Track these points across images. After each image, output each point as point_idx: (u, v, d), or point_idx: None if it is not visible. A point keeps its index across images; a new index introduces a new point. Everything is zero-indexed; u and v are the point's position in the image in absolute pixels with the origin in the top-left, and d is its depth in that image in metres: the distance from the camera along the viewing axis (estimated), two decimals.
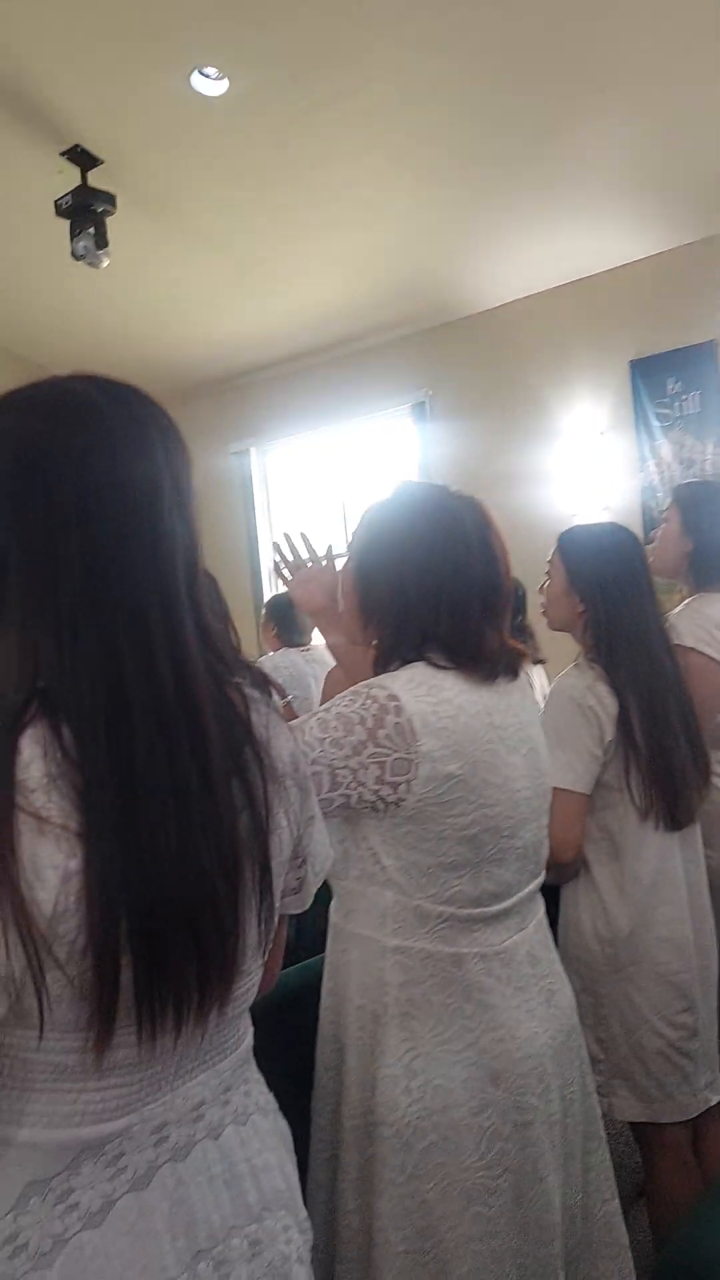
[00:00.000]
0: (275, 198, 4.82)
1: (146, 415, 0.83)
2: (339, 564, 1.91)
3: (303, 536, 1.89)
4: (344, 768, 1.28)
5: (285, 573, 1.91)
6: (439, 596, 1.37)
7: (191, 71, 4.06)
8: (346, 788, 1.28)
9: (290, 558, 1.90)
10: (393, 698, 1.29)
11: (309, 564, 1.87)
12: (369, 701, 1.30)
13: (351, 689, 1.34)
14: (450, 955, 1.33)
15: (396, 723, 1.28)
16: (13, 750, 0.71)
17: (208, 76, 4.08)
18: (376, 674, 1.40)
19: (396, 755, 1.27)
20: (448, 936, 1.33)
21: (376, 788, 1.28)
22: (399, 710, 1.28)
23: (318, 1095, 1.45)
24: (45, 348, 6.58)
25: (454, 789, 1.30)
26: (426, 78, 3.97)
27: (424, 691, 1.31)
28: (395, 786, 1.28)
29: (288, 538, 1.91)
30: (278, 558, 1.92)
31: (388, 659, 1.41)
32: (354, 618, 1.47)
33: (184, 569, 0.81)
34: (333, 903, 1.46)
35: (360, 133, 4.32)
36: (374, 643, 1.44)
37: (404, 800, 1.29)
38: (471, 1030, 1.33)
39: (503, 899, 1.38)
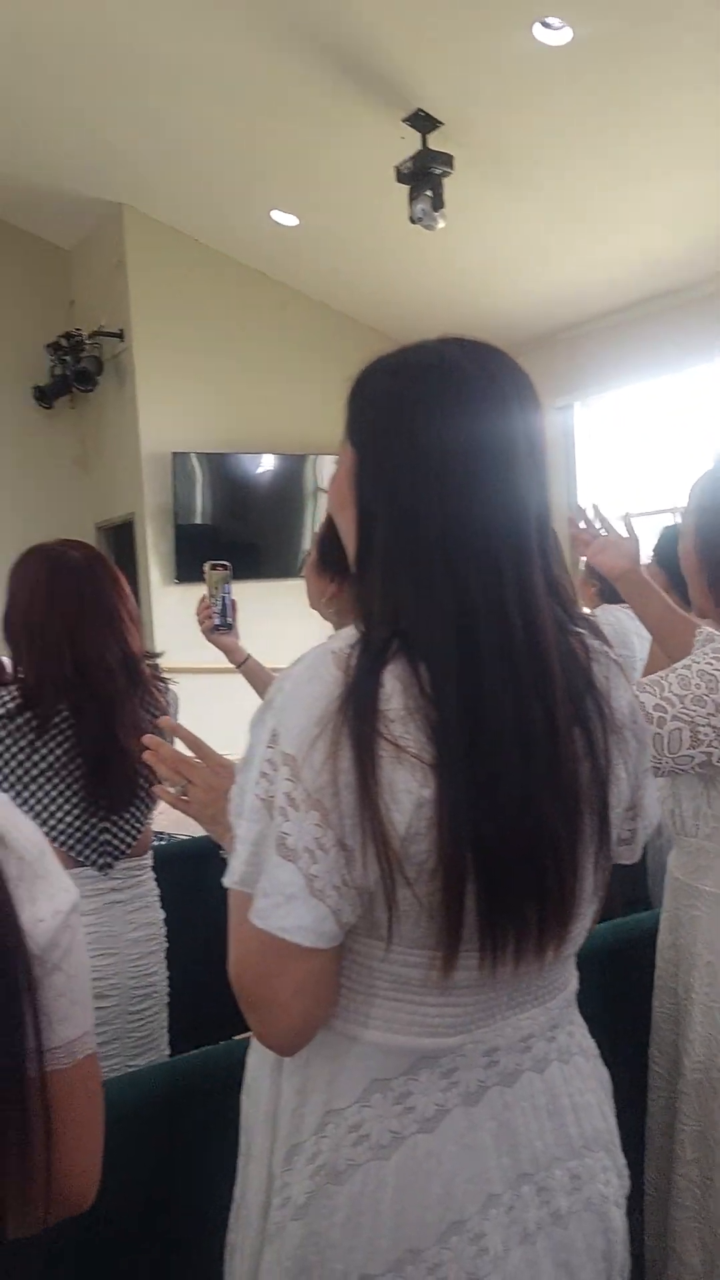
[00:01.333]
0: (611, 144, 4.69)
1: (506, 375, 0.86)
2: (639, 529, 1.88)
3: (595, 508, 1.89)
4: (706, 725, 1.29)
5: (582, 542, 1.91)
6: None
7: (534, 23, 4.02)
8: (709, 744, 1.30)
9: (584, 528, 1.90)
10: None
11: (604, 534, 1.86)
12: None
13: (713, 646, 1.35)
14: None
15: None
16: (377, 683, 0.77)
17: (550, 27, 4.03)
18: None
19: None
20: None
21: None
22: None
23: (655, 1043, 1.50)
24: (378, 311, 6.86)
25: None
26: None
27: None
28: None
29: (581, 510, 1.92)
30: (573, 531, 1.92)
31: None
32: (703, 590, 1.48)
33: (535, 522, 0.85)
34: (672, 858, 1.49)
35: (704, 67, 4.08)
36: None
37: None
38: None
39: None
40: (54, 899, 0.72)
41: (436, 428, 0.82)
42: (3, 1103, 0.65)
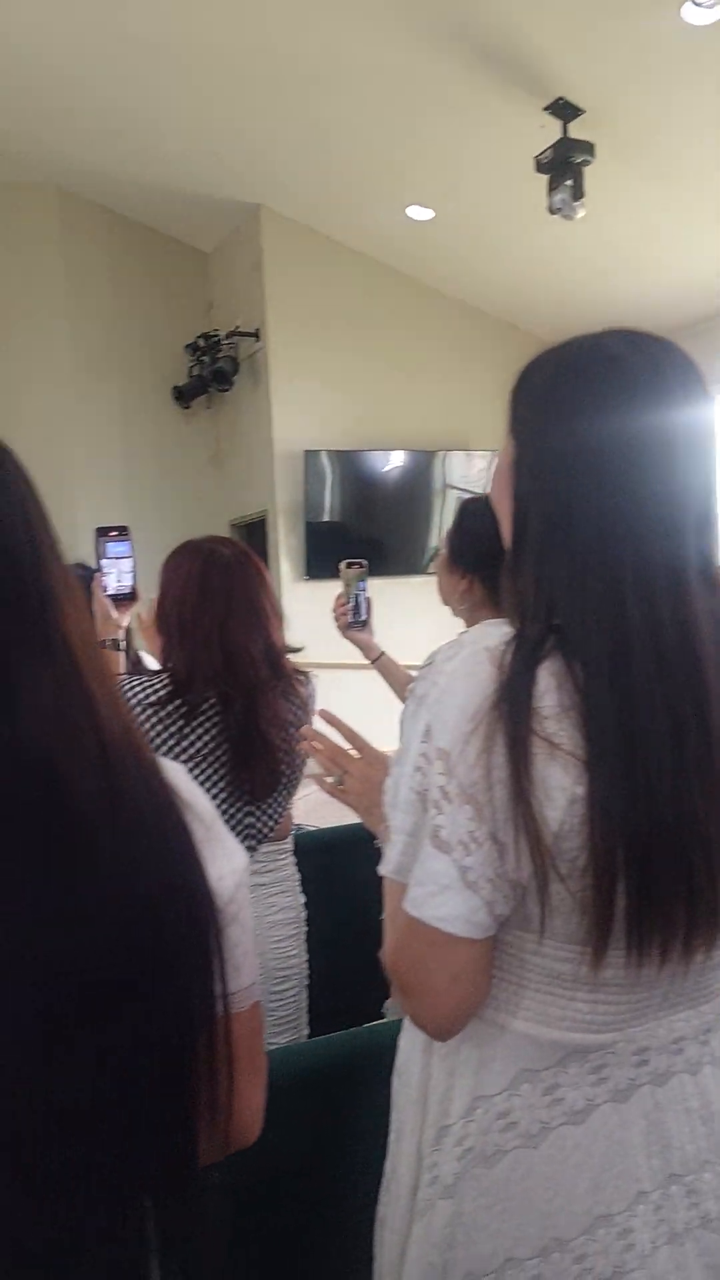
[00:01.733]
0: None
1: (670, 368, 0.85)
2: None
3: None
4: None
5: None
6: None
7: (683, 4, 3.91)
8: None
9: None
10: None
11: None
12: None
13: None
14: None
15: None
16: (532, 680, 0.77)
17: (700, 5, 3.90)
18: None
19: None
20: None
21: None
22: None
23: None
24: (512, 304, 6.79)
25: None
26: None
27: None
28: None
29: None
30: None
31: None
32: None
33: (696, 519, 0.82)
34: None
35: None
36: None
37: None
38: None
39: None
40: (230, 859, 0.77)
41: (593, 421, 0.81)
42: (199, 1040, 0.71)
